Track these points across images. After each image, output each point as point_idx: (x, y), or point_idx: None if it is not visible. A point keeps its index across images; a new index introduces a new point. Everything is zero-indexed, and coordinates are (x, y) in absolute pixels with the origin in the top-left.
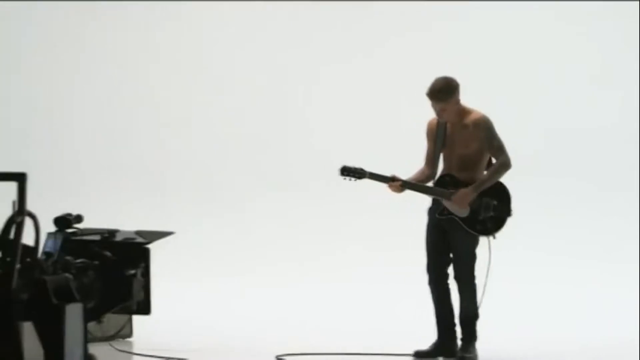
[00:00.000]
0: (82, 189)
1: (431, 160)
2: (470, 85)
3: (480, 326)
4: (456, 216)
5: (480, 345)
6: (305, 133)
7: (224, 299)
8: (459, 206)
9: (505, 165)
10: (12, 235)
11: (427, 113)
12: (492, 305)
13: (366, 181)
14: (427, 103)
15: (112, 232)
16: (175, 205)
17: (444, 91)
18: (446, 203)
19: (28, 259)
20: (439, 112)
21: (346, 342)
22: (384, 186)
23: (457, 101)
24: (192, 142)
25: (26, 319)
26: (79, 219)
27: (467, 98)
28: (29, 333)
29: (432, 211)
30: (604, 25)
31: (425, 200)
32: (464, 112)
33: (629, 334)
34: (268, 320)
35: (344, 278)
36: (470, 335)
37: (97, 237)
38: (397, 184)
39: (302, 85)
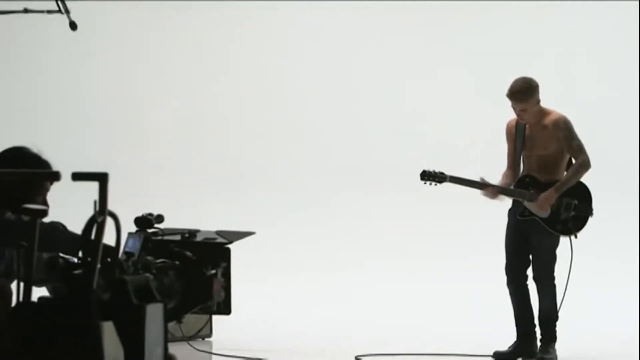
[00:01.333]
0: (164, 189)
1: (513, 163)
2: (470, 83)
3: (560, 327)
4: (537, 216)
5: (559, 347)
6: (388, 133)
7: (303, 299)
8: (541, 209)
9: (585, 165)
10: (93, 235)
11: (507, 114)
12: (573, 306)
13: (447, 183)
14: (506, 104)
15: (193, 232)
16: (255, 205)
17: (524, 91)
18: (527, 204)
19: (109, 259)
20: (519, 113)
21: (425, 343)
22: (465, 188)
23: (538, 101)
24: (273, 141)
25: (107, 318)
26: (160, 218)
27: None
28: (109, 332)
29: (512, 212)
30: (604, 25)
31: (506, 202)
32: (543, 112)
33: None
34: (347, 320)
35: (422, 278)
36: (549, 336)
37: (177, 237)
38: (492, 190)
39: (381, 85)
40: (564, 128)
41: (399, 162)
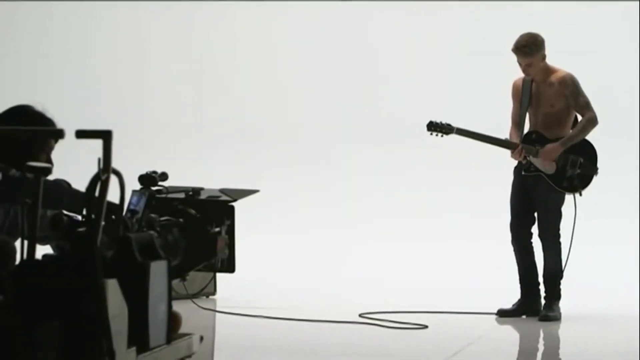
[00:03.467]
0: (168, 147)
1: (519, 121)
2: (470, 77)
3: (564, 285)
4: (543, 173)
5: (564, 305)
6: (392, 91)
7: (307, 257)
8: (546, 160)
9: (592, 121)
10: (97, 192)
11: (513, 73)
12: (577, 265)
13: (454, 137)
14: (510, 64)
15: (197, 190)
16: (259, 163)
17: (529, 45)
18: (533, 160)
19: (113, 217)
20: (524, 68)
21: (429, 301)
22: (471, 144)
23: (544, 57)
24: (278, 99)
25: (111, 276)
26: (164, 176)
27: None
28: (113, 290)
29: (517, 170)
30: (603, 25)
31: (513, 160)
32: (549, 70)
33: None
34: (351, 278)
35: (427, 236)
36: (554, 294)
37: (181, 195)
38: (519, 150)
39: (393, 44)
40: (570, 85)
41: (402, 120)
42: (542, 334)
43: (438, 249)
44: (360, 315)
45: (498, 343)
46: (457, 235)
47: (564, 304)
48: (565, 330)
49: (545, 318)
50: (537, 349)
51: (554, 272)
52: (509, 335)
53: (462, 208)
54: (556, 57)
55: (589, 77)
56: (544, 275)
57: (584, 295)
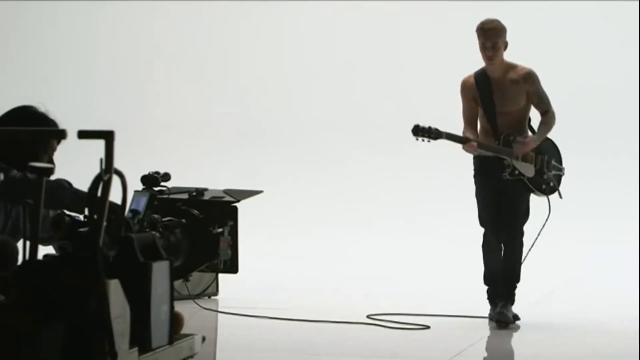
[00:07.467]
0: (171, 147)
1: (474, 121)
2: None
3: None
4: (524, 176)
5: (565, 305)
6: (399, 93)
7: (310, 257)
8: (521, 152)
9: (554, 117)
10: (99, 193)
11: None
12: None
13: (442, 142)
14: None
15: (201, 191)
16: (263, 163)
17: (497, 26)
18: (516, 163)
19: (115, 217)
20: (490, 54)
21: (437, 302)
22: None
23: (506, 45)
24: (281, 100)
25: (113, 276)
26: (166, 177)
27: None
28: (115, 290)
29: (486, 172)
30: (603, 25)
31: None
32: (508, 66)
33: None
34: (358, 279)
35: (434, 237)
36: (511, 296)
37: (184, 196)
38: (474, 145)
39: (395, 45)
40: (536, 81)
41: (406, 120)
42: (543, 335)
43: (440, 249)
44: (367, 317)
45: (500, 344)
46: (459, 234)
47: (566, 305)
48: (566, 331)
49: (507, 319)
50: (539, 350)
51: (516, 275)
52: (511, 336)
53: (466, 208)
54: (556, 57)
55: (589, 76)
56: (506, 277)
57: (584, 297)
